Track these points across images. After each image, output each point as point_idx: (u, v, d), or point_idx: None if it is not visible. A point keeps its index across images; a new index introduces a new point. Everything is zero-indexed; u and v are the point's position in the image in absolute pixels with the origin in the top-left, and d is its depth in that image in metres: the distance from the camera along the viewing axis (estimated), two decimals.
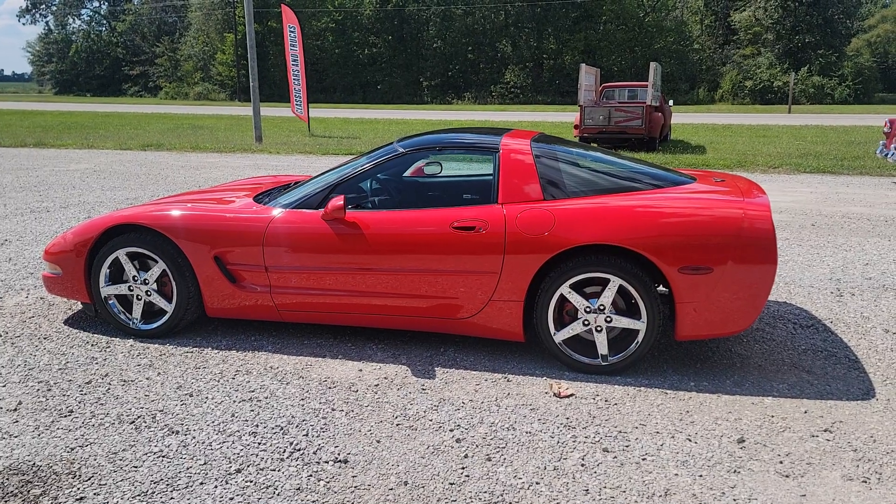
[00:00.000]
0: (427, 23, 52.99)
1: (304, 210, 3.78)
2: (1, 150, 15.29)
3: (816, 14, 43.79)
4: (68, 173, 11.26)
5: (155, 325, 3.95)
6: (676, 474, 2.60)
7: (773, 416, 3.04)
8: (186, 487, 2.50)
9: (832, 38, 44.65)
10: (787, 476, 2.58)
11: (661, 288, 3.47)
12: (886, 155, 10.35)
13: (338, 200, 3.62)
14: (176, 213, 3.87)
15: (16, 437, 2.84)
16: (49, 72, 73.71)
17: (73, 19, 75.11)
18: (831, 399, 3.22)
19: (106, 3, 74.17)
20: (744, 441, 2.83)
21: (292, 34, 18.50)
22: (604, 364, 3.45)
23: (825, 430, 2.92)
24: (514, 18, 51.05)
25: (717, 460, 2.69)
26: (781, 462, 2.68)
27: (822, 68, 43.29)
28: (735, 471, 2.62)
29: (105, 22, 73.21)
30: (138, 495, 2.45)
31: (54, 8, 75.02)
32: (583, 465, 2.65)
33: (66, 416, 3.02)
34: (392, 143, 4.04)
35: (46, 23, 76.14)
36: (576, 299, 3.42)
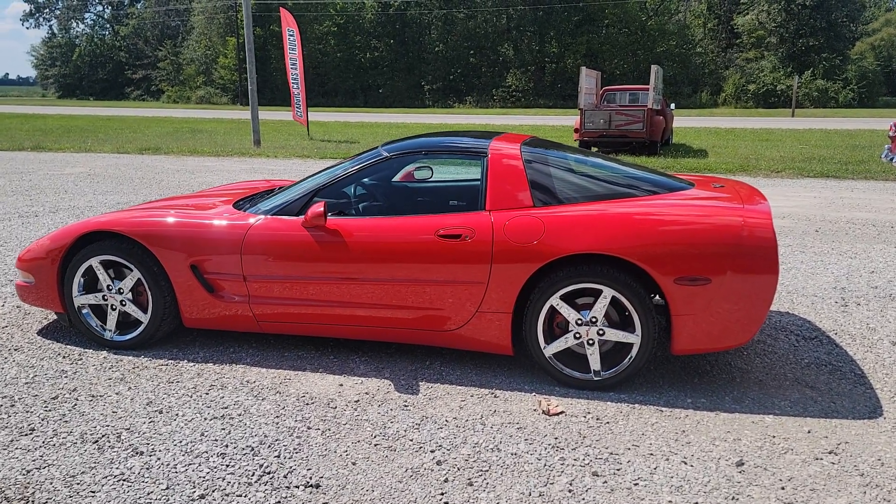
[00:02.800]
0: (429, 26, 52.87)
1: (283, 217, 3.62)
2: None
3: (820, 17, 43.54)
4: (62, 177, 11.13)
5: (130, 336, 3.79)
6: (670, 501, 2.43)
7: (774, 437, 2.87)
8: None
9: (836, 41, 44.39)
10: (789, 503, 2.41)
11: (656, 298, 3.31)
12: (892, 159, 10.17)
13: (318, 207, 3.46)
14: (151, 219, 3.72)
15: None
16: (52, 75, 73.74)
17: (77, 23, 75.29)
18: (836, 417, 3.04)
19: (109, 7, 74.31)
20: (743, 464, 2.66)
21: (291, 38, 18.37)
22: (596, 379, 3.29)
23: (830, 452, 2.75)
24: (515, 22, 50.92)
25: (715, 485, 2.52)
26: (783, 488, 2.51)
27: (825, 72, 43.03)
28: (733, 497, 2.45)
29: (108, 26, 73.33)
30: None
31: (58, 12, 75.17)
32: (570, 491, 2.48)
33: (26, 435, 2.86)
34: (377, 147, 3.88)
35: (50, 27, 76.33)
36: (567, 311, 3.25)
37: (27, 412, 3.06)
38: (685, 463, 2.67)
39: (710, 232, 3.11)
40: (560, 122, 26.53)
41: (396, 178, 4.40)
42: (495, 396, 3.25)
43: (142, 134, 20.46)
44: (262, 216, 3.66)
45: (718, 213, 3.22)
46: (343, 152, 14.80)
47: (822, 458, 2.71)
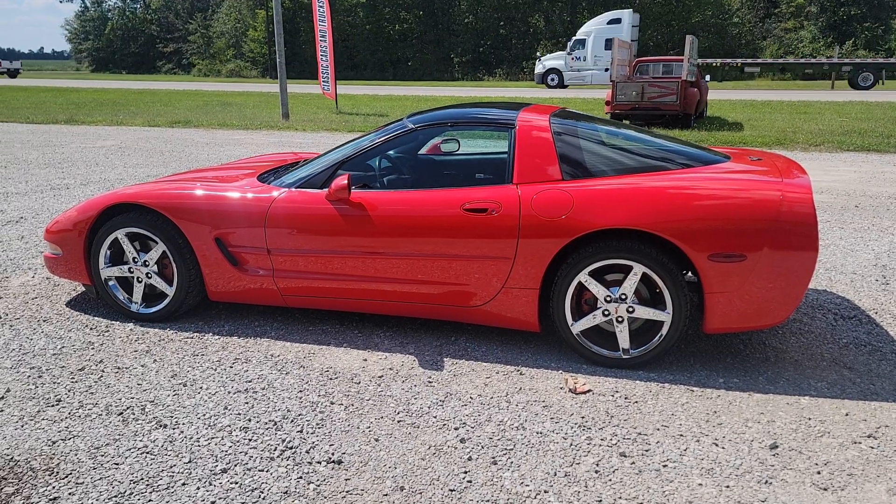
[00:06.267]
0: None
1: (307, 190, 3.58)
2: (32, 126, 15.39)
3: None
4: (94, 150, 11.24)
5: (156, 309, 3.80)
6: (700, 484, 2.35)
7: (810, 419, 2.77)
8: (167, 488, 2.33)
9: (879, 10, 42.80)
10: (825, 489, 2.32)
11: (689, 275, 3.20)
12: None
13: (342, 179, 3.40)
14: (175, 191, 3.70)
15: None
16: (86, 49, 74.54)
17: None
18: (875, 400, 2.93)
19: None
20: (777, 447, 2.57)
21: (321, 8, 18.23)
22: (625, 357, 3.21)
23: (869, 436, 2.64)
24: None
25: (747, 469, 2.44)
26: (819, 472, 2.42)
27: (867, 42, 41.58)
28: (766, 481, 2.36)
29: None
30: (115, 496, 2.29)
31: None
32: (597, 472, 2.42)
33: (53, 406, 2.88)
34: (402, 118, 3.80)
35: (83, 0, 76.93)
36: (595, 288, 3.17)
37: (54, 383, 3.09)
38: (716, 445, 2.59)
39: (746, 207, 2.98)
40: (591, 95, 26.08)
41: (422, 151, 4.32)
42: (521, 374, 3.19)
43: (172, 107, 20.58)
44: (286, 189, 3.61)
45: (756, 186, 3.09)
46: (371, 125, 14.72)
47: (860, 442, 2.61)
